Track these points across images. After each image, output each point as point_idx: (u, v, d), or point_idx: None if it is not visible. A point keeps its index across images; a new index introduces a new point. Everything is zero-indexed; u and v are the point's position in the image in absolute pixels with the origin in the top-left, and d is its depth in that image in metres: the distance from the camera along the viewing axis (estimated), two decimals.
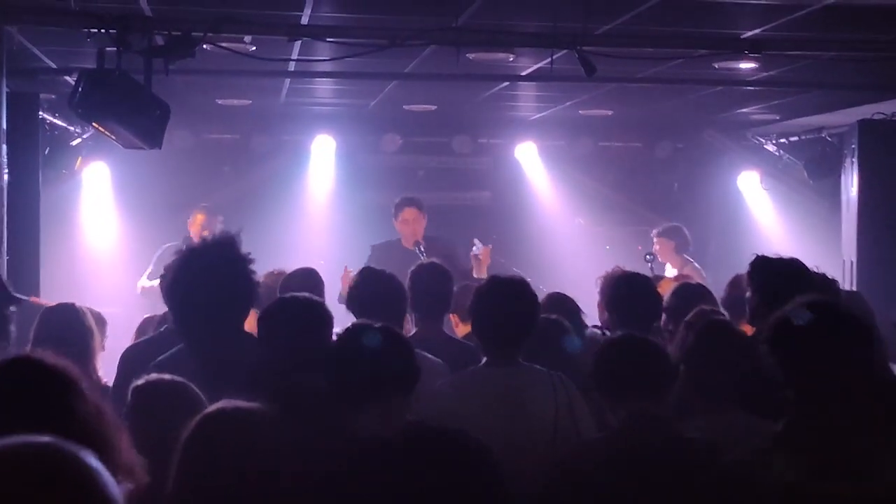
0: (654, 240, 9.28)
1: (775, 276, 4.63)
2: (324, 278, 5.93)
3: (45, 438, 1.45)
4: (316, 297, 4.15)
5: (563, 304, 5.31)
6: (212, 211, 9.89)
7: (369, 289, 4.95)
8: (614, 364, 3.73)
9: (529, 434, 4.03)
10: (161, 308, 5.01)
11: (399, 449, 3.26)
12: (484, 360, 4.27)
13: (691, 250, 9.39)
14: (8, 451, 1.42)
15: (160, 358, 4.00)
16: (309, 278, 5.77)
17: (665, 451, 3.54)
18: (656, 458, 3.51)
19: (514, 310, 4.25)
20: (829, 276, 5.39)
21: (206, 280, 3.97)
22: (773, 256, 4.80)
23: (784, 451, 2.92)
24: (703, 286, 5.98)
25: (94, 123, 6.30)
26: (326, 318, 3.92)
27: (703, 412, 3.89)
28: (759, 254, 4.84)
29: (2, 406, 2.27)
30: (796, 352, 3.01)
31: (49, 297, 6.99)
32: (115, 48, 5.88)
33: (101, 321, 5.40)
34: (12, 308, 4.74)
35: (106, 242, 10.98)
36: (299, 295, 4.09)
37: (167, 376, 3.40)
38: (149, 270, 9.36)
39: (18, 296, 4.85)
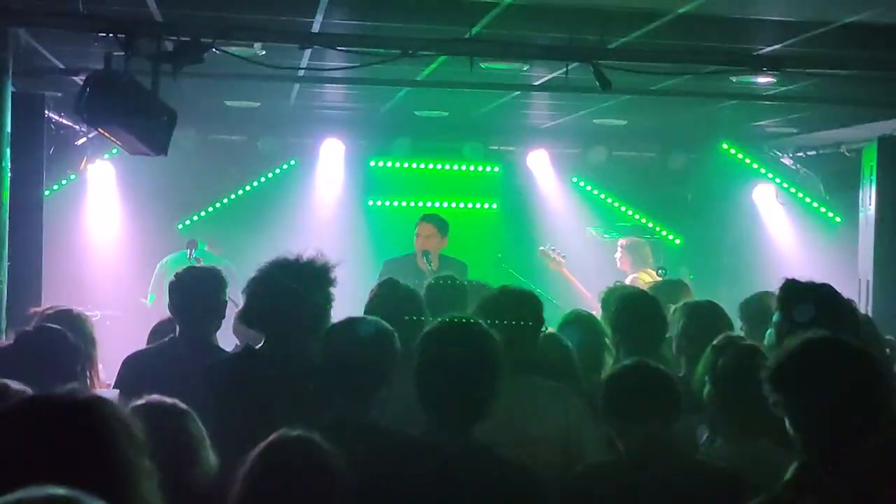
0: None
1: (806, 302, 4.48)
2: None
3: (63, 491, 1.51)
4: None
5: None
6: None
7: None
8: (625, 392, 3.71)
9: (540, 453, 3.98)
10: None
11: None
12: None
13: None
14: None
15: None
16: None
17: (683, 476, 3.53)
18: (675, 483, 3.50)
19: (523, 321, 4.21)
20: (847, 298, 5.25)
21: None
22: (805, 281, 4.65)
23: (805, 498, 2.80)
24: (719, 307, 5.82)
25: (99, 129, 6.20)
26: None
27: (730, 437, 3.91)
28: (790, 277, 4.70)
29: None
30: (801, 394, 2.90)
31: (52, 299, 6.88)
32: (122, 53, 5.78)
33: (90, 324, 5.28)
34: None
35: (110, 243, 10.85)
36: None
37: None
38: (151, 286, 9.27)
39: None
